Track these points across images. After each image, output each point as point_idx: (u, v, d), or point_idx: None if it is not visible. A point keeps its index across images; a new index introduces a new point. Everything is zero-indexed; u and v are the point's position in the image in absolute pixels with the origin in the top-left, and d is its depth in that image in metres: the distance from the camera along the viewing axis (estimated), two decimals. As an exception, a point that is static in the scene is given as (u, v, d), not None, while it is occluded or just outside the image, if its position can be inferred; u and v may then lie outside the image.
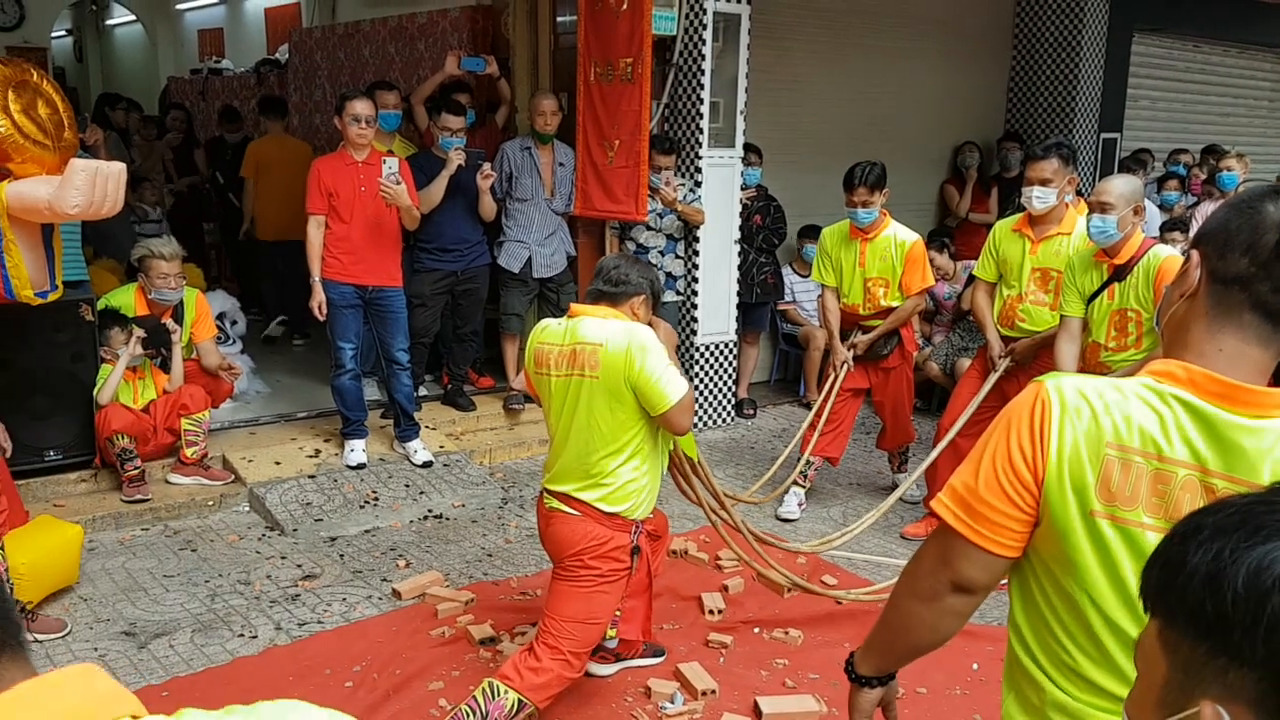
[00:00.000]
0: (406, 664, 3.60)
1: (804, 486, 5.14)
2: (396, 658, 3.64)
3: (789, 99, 7.04)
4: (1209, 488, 1.30)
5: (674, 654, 3.68)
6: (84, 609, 3.99)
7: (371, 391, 5.92)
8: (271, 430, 5.74)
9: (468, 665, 3.62)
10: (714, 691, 3.43)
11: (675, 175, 6.05)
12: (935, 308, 6.96)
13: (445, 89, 5.99)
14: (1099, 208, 3.92)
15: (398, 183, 4.94)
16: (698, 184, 6.10)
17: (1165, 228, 6.51)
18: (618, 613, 3.37)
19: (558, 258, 6.00)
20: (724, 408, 6.62)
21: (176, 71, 12.10)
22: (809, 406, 5.36)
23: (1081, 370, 4.05)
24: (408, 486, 5.20)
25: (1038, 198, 4.38)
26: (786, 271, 7.06)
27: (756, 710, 3.34)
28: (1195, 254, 1.38)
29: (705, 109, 6.03)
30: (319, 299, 5.05)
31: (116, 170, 3.72)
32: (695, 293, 6.28)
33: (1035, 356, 4.49)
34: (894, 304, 4.93)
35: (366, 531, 4.83)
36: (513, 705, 2.96)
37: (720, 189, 6.20)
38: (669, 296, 6.13)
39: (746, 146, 6.32)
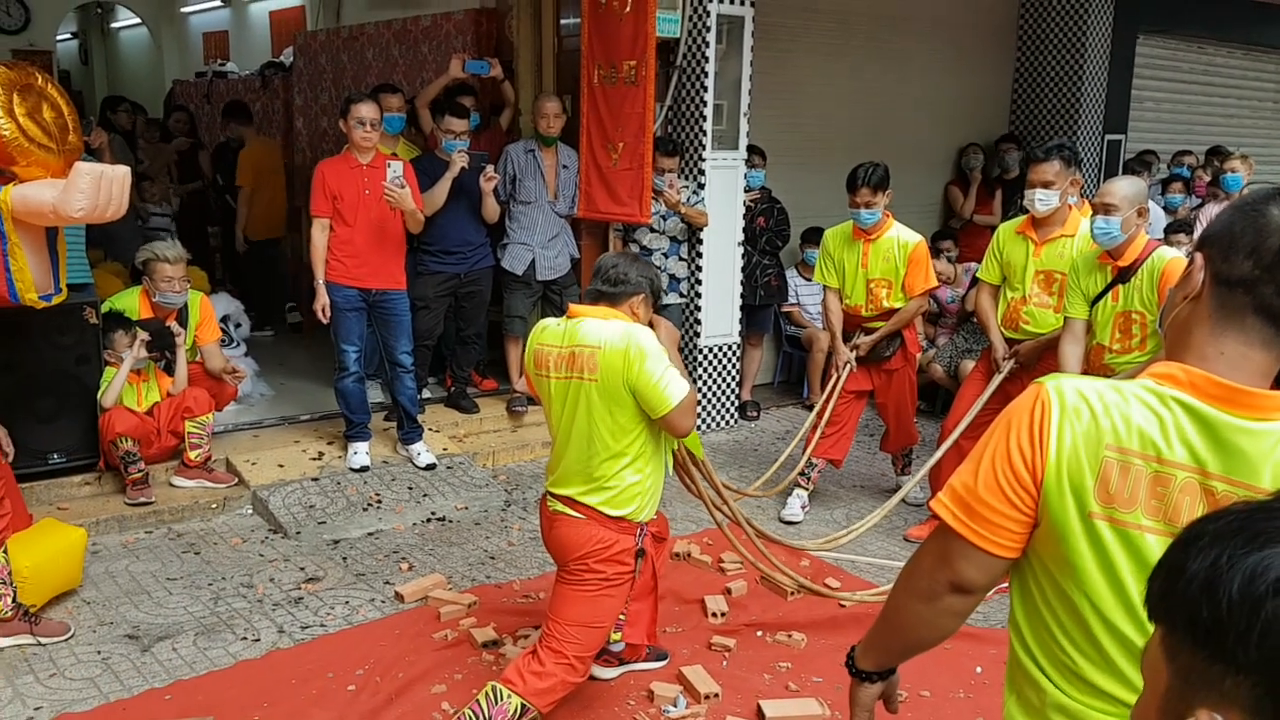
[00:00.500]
0: (409, 667, 3.59)
1: (807, 489, 5.13)
2: (399, 661, 3.64)
3: (792, 101, 7.03)
4: (1209, 490, 1.30)
5: (677, 657, 3.67)
6: (87, 612, 4.00)
7: (375, 394, 5.93)
8: (275, 433, 5.75)
9: (470, 669, 3.61)
10: (717, 695, 3.42)
11: (679, 177, 6.05)
12: (939, 311, 6.96)
13: (449, 92, 6.00)
14: (1102, 209, 3.91)
15: (402, 186, 4.94)
16: (701, 186, 6.10)
17: (1170, 230, 6.50)
18: (622, 616, 3.36)
19: (561, 260, 6.00)
20: (727, 410, 6.61)
21: (181, 75, 12.11)
22: (813, 408, 5.35)
23: (1086, 372, 4.04)
24: (411, 489, 5.20)
25: (1040, 200, 4.37)
26: (790, 273, 7.05)
27: (759, 714, 3.33)
28: (1199, 256, 1.38)
29: (709, 111, 6.03)
30: (322, 301, 5.05)
31: (121, 173, 3.72)
32: (699, 295, 6.28)
33: (1039, 358, 4.48)
34: (896, 305, 4.93)
35: (369, 534, 4.83)
36: (516, 710, 2.94)
37: (724, 191, 6.20)
38: (673, 298, 6.13)
39: (750, 148, 6.32)
